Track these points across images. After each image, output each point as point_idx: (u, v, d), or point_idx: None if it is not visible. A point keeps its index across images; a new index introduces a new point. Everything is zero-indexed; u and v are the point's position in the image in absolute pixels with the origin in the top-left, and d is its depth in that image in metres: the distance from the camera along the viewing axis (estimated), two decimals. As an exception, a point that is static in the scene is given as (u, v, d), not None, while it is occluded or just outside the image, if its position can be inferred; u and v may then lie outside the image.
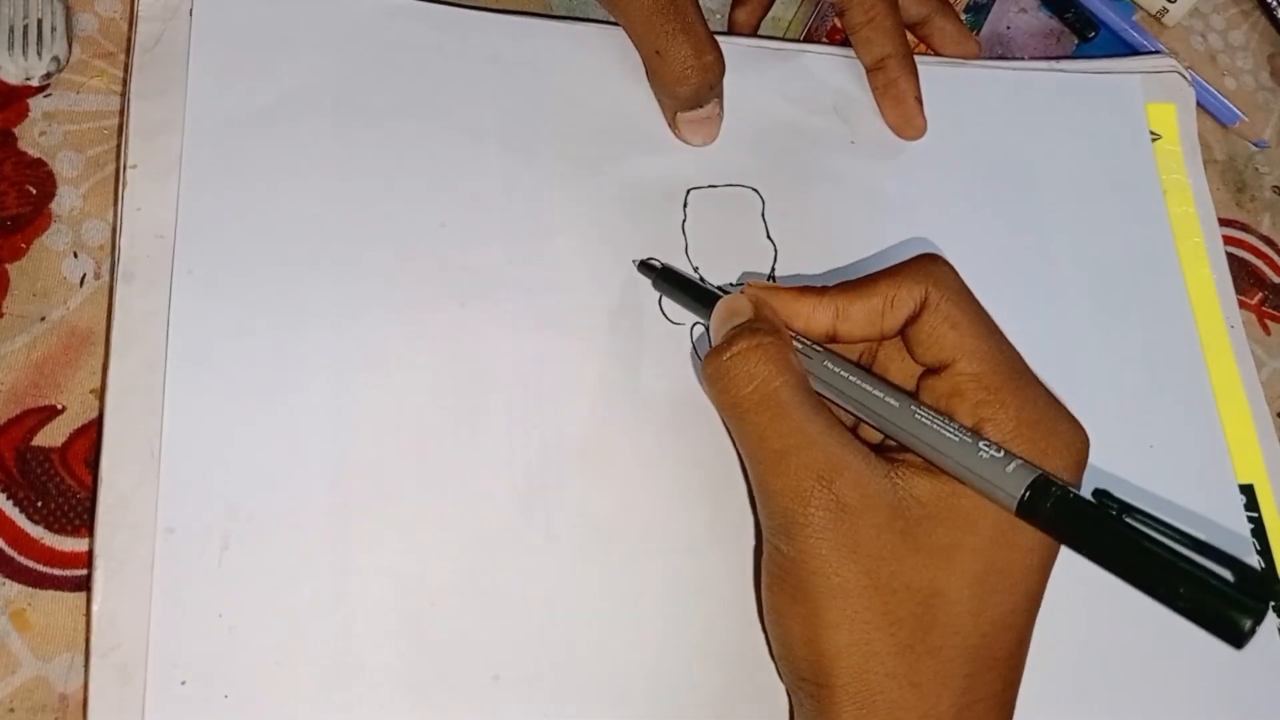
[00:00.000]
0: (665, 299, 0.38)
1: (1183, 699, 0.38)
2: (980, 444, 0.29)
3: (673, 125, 0.41)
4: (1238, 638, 0.25)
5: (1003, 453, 0.29)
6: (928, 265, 0.32)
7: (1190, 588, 0.25)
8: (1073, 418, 0.31)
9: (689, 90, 0.39)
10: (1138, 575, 0.26)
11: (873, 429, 0.33)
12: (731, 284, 0.39)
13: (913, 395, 0.32)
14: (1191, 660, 0.38)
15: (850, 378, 0.32)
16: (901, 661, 0.29)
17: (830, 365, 0.32)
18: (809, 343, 0.33)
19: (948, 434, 0.30)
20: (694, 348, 0.38)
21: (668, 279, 0.38)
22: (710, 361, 0.32)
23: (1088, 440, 0.31)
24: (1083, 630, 0.38)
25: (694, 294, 0.36)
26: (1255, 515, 0.42)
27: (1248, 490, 0.42)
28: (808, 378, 0.32)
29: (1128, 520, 0.27)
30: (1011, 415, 0.30)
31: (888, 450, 0.32)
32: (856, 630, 0.29)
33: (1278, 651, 0.39)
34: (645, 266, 0.38)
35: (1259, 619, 0.24)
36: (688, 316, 0.38)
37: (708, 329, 0.35)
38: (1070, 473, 0.30)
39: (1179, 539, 0.27)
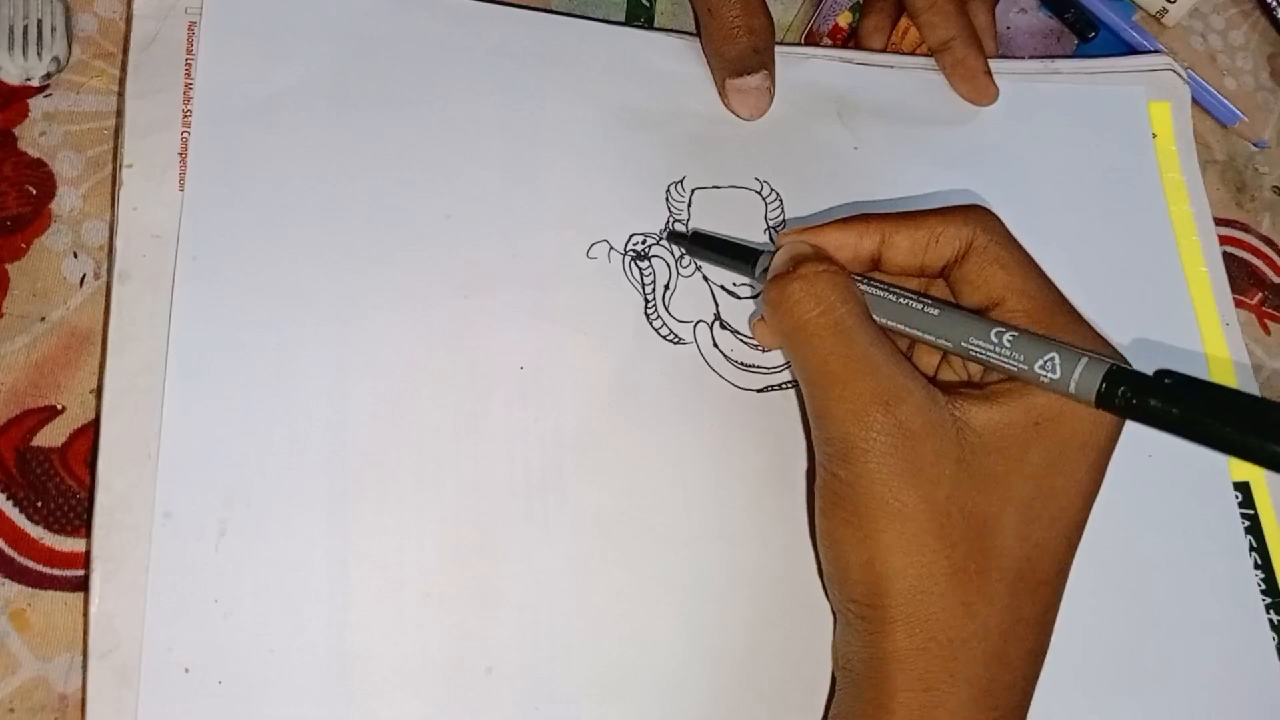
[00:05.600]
0: (671, 292, 0.38)
1: (1175, 697, 0.38)
2: (1055, 344, 0.30)
3: (722, 94, 0.42)
4: None
5: (1076, 353, 0.30)
6: (976, 211, 0.33)
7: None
8: (1121, 355, 0.32)
9: (736, 51, 0.40)
10: (1220, 442, 0.27)
11: (929, 360, 0.34)
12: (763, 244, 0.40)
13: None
14: (1184, 658, 0.39)
15: (918, 302, 0.32)
16: (954, 583, 0.30)
17: (897, 295, 0.33)
18: (874, 280, 0.34)
19: (1022, 338, 0.30)
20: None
21: (700, 242, 0.39)
22: (775, 286, 0.32)
23: None
24: (1078, 635, 0.38)
25: (730, 251, 0.37)
26: (1250, 513, 0.42)
27: (1242, 488, 0.42)
28: (869, 310, 0.32)
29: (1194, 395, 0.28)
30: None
31: (940, 383, 0.33)
32: (913, 553, 0.30)
33: (1271, 665, 0.40)
34: (675, 236, 0.39)
35: None
36: (691, 314, 0.39)
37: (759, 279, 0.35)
38: None
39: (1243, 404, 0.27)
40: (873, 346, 0.31)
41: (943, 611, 0.30)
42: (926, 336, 0.32)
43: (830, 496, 0.31)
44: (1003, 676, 0.30)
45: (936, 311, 0.32)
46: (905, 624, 0.30)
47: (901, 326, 0.32)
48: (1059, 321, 0.31)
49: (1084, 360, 0.29)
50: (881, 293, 0.33)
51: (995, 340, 0.30)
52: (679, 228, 0.40)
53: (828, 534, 0.32)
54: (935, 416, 0.30)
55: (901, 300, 0.32)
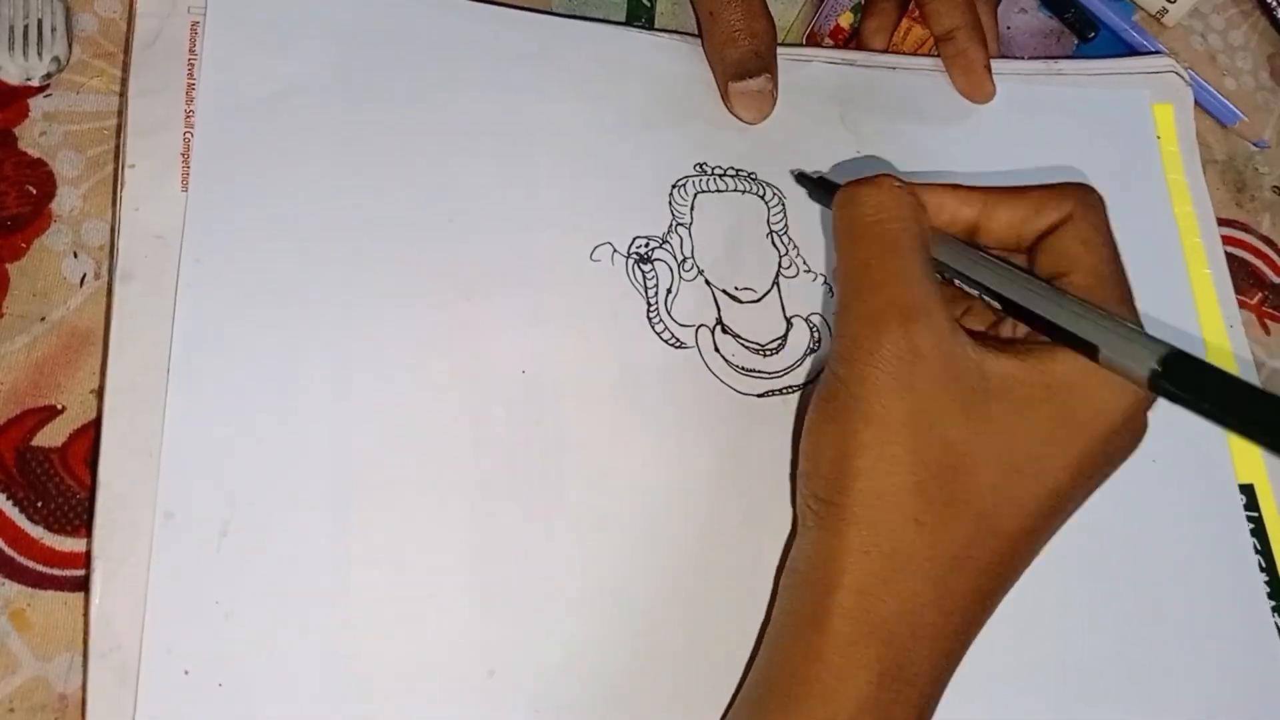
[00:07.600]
0: (673, 296, 0.39)
1: (1182, 699, 0.38)
2: (1120, 319, 0.30)
3: (725, 97, 0.42)
4: None
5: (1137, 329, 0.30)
6: (1083, 189, 0.33)
7: None
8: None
9: (738, 54, 0.41)
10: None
11: (984, 316, 0.34)
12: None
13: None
14: (1191, 660, 0.38)
15: (1004, 261, 0.32)
16: (911, 497, 0.30)
17: (984, 255, 0.33)
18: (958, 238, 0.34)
19: (1094, 309, 0.30)
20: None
21: (824, 186, 0.39)
22: (846, 187, 0.33)
23: None
24: (1083, 637, 0.38)
25: None
26: (1255, 515, 0.42)
27: (1247, 490, 0.42)
28: (930, 243, 0.32)
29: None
30: None
31: (978, 333, 0.33)
32: (883, 458, 0.30)
33: (1276, 668, 0.39)
34: (804, 178, 0.40)
35: None
36: (693, 319, 0.39)
37: None
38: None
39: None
40: (911, 264, 0.31)
41: (893, 521, 0.30)
42: (990, 285, 0.32)
43: (825, 393, 0.32)
44: (942, 604, 0.30)
45: (1002, 265, 0.32)
46: (857, 524, 0.30)
47: (963, 270, 0.33)
48: (1112, 308, 0.31)
49: (1145, 336, 0.29)
50: (949, 240, 0.33)
51: (1060, 300, 0.30)
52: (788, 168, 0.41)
53: (812, 427, 0.32)
54: (947, 346, 0.30)
55: (970, 250, 0.33)
